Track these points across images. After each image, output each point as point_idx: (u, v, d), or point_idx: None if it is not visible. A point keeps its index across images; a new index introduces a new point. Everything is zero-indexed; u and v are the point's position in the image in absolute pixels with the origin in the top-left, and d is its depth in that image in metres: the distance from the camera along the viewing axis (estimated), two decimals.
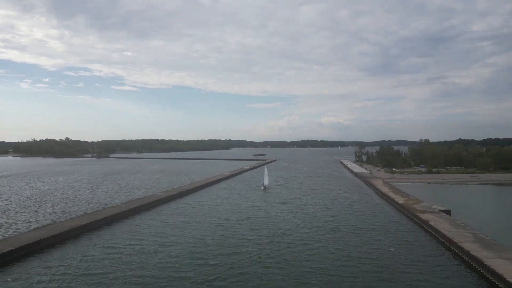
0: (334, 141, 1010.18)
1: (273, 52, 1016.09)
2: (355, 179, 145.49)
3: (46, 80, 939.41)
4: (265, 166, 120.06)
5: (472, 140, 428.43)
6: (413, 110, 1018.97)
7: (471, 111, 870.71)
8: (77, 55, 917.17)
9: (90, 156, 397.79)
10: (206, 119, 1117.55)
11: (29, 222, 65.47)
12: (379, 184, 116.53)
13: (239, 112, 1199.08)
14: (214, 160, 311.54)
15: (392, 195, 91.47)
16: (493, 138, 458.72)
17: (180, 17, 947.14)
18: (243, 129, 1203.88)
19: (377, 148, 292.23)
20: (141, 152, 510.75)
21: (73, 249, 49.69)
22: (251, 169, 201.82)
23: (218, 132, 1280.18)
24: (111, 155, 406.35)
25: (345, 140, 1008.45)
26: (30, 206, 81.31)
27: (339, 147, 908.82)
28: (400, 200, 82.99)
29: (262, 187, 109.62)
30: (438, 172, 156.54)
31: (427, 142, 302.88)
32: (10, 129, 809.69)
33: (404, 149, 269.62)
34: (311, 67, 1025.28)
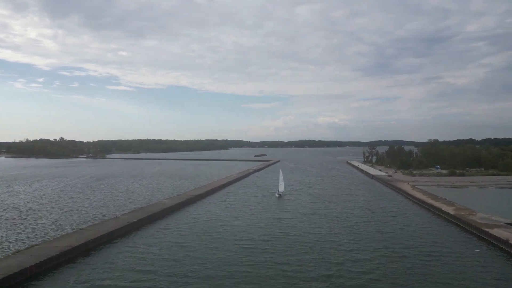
0: (331, 141, 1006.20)
1: (269, 52, 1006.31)
2: (375, 183, 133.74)
3: (40, 80, 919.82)
4: (280, 171, 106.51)
5: (471, 140, 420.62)
6: (409, 110, 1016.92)
7: (466, 111, 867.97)
8: (72, 55, 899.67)
9: (85, 156, 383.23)
10: (202, 119, 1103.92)
11: (7, 242, 52.82)
12: (408, 188, 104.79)
13: (235, 112, 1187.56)
14: (215, 161, 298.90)
15: (432, 202, 79.67)
16: (492, 138, 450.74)
17: (176, 17, 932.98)
18: (240, 129, 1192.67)
19: (378, 148, 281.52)
20: (138, 152, 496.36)
21: (62, 284, 37.26)
22: (257, 170, 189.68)
23: (215, 132, 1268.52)
24: (107, 156, 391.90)
25: (341, 140, 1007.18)
26: (14, 219, 68.49)
27: (338, 147, 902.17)
28: (447, 209, 71.16)
29: (277, 194, 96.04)
30: (462, 174, 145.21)
31: (436, 142, 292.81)
32: (3, 129, 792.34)
33: (410, 149, 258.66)
34: (307, 67, 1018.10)
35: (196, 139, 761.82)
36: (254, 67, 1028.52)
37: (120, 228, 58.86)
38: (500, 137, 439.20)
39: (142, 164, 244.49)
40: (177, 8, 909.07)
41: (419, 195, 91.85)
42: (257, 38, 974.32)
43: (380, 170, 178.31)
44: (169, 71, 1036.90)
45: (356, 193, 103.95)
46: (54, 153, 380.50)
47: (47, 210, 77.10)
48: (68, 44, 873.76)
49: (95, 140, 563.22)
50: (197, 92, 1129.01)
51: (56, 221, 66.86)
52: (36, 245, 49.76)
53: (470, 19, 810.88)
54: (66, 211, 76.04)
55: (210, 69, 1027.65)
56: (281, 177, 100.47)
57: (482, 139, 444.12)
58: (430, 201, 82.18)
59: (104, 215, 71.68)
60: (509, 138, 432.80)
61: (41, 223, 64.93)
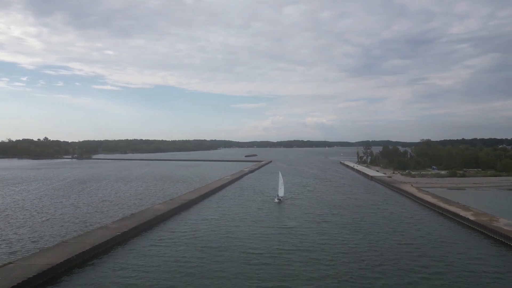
0: (319, 141, 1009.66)
1: (257, 52, 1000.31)
2: (376, 184, 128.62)
3: (24, 78, 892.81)
4: (279, 173, 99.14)
5: (458, 140, 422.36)
6: (396, 111, 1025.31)
7: (452, 112, 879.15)
8: (56, 53, 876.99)
9: (70, 157, 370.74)
10: (190, 119, 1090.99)
11: None
12: (413, 191, 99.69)
13: (224, 112, 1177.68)
14: (205, 162, 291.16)
15: (446, 206, 74.45)
16: (478, 138, 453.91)
17: (163, 16, 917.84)
18: (228, 129, 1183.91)
19: (364, 147, 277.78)
20: (125, 152, 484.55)
21: None
22: (251, 171, 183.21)
23: (203, 132, 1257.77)
24: (93, 156, 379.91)
25: (329, 140, 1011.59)
26: None
27: (327, 147, 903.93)
28: (466, 214, 65.88)
29: (276, 200, 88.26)
30: (463, 175, 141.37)
31: (429, 142, 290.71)
32: None
33: (405, 149, 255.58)
34: (295, 67, 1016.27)
35: (185, 139, 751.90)
36: (242, 67, 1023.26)
37: (108, 240, 51.70)
38: (486, 137, 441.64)
39: (130, 165, 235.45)
40: (164, 7, 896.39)
41: (428, 198, 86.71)
42: (245, 38, 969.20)
43: (378, 171, 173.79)
44: (156, 70, 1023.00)
45: (360, 196, 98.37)
46: (38, 154, 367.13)
47: (25, 218, 69.24)
48: (53, 43, 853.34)
49: (81, 140, 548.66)
50: (185, 92, 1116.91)
51: (35, 231, 59.36)
52: (10, 263, 42.38)
53: (454, 22, 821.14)
54: (47, 219, 68.35)
55: (198, 69, 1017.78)
56: (281, 180, 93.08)
57: (469, 139, 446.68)
58: (442, 204, 76.97)
59: (90, 224, 64.27)
60: (495, 138, 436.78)
61: (17, 234, 57.29)
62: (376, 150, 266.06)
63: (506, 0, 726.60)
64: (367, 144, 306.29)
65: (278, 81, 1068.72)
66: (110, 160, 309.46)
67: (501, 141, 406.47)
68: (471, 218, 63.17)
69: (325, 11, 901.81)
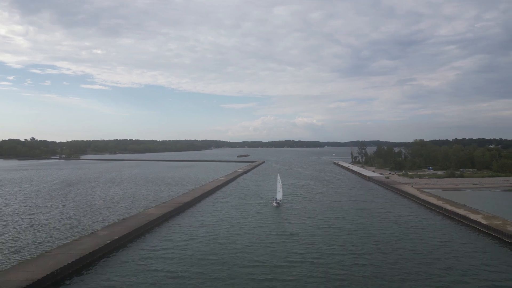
0: (310, 141, 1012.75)
1: (247, 52, 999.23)
2: (375, 186, 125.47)
3: (11, 78, 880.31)
4: (278, 175, 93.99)
5: (449, 140, 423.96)
6: (385, 111, 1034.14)
7: (439, 113, 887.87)
8: (44, 52, 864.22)
9: (58, 157, 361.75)
10: (180, 119, 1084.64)
11: None
12: (415, 192, 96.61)
13: (214, 112, 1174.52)
14: (197, 162, 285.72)
15: (453, 209, 71.17)
16: (466, 138, 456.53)
17: (152, 15, 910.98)
18: (219, 129, 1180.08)
19: (356, 148, 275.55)
20: (115, 153, 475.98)
21: None
22: (245, 172, 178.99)
23: (194, 132, 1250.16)
24: (82, 157, 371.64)
25: (320, 140, 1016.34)
26: None
27: (318, 147, 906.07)
28: (476, 218, 62.63)
29: (274, 203, 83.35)
30: (461, 176, 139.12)
31: (422, 142, 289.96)
32: None
33: (400, 149, 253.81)
34: (285, 68, 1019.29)
35: (175, 139, 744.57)
36: (233, 67, 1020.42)
37: (96, 250, 47.03)
38: (474, 137, 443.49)
39: (120, 166, 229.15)
40: (152, 6, 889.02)
41: (432, 200, 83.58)
42: (235, 38, 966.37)
43: (374, 171, 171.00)
44: (146, 70, 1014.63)
45: (361, 198, 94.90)
46: (24, 154, 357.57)
47: (7, 225, 63.99)
48: (40, 41, 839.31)
49: (69, 140, 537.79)
50: (174, 92, 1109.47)
51: (17, 240, 54.42)
52: None
53: (441, 23, 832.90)
54: (30, 225, 63.24)
55: (188, 68, 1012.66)
56: (279, 183, 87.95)
57: (456, 139, 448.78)
58: (449, 207, 73.74)
59: (77, 231, 59.39)
60: (483, 139, 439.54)
61: None
62: (368, 150, 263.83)
63: (492, 2, 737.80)
64: (357, 144, 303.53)
65: (268, 81, 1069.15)
66: (99, 161, 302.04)
67: (489, 141, 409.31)
68: (483, 222, 59.92)
69: (315, 11, 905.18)
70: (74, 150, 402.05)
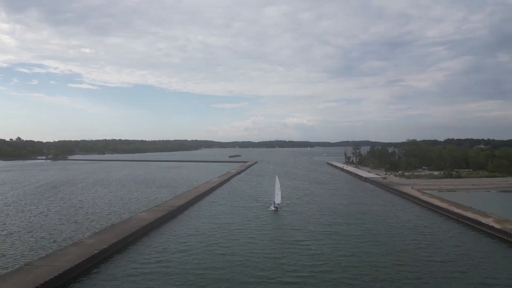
0: (300, 141, 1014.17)
1: (237, 52, 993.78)
2: (372, 187, 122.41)
3: None
4: (276, 177, 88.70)
5: (436, 140, 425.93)
6: (374, 112, 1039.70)
7: (428, 113, 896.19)
8: (31, 51, 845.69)
9: (44, 158, 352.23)
10: (170, 119, 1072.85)
11: None
12: (417, 194, 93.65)
13: (204, 112, 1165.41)
14: (188, 163, 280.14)
15: (460, 212, 68.11)
16: (455, 138, 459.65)
17: (141, 14, 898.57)
18: (209, 129, 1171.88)
19: (348, 148, 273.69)
20: (103, 153, 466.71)
21: None
22: (238, 173, 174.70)
23: (184, 132, 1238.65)
24: (69, 157, 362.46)
25: (310, 140, 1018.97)
26: None
27: (308, 148, 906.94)
28: (487, 221, 59.56)
29: (272, 207, 78.91)
30: (459, 176, 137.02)
31: (415, 142, 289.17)
32: None
33: (394, 149, 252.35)
34: (276, 68, 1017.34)
35: (165, 139, 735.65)
36: (223, 67, 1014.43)
37: (83, 262, 42.36)
38: (463, 137, 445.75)
39: (109, 167, 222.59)
40: (141, 4, 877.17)
41: (436, 202, 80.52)
42: (226, 38, 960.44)
43: (369, 172, 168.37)
44: (135, 69, 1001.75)
45: (362, 200, 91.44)
46: (10, 154, 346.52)
47: None
48: (27, 40, 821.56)
49: (56, 140, 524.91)
50: (164, 92, 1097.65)
51: None
52: None
53: (429, 25, 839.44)
54: (10, 233, 57.99)
55: (178, 68, 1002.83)
56: (277, 185, 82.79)
57: (448, 139, 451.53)
58: (455, 210, 70.66)
59: (62, 239, 54.46)
60: (471, 139, 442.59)
61: None
62: (361, 150, 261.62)
63: (479, 4, 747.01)
64: (347, 144, 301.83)
65: (258, 81, 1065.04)
66: (87, 161, 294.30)
67: (478, 141, 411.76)
68: (496, 226, 56.85)
69: (306, 12, 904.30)
70: (61, 150, 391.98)
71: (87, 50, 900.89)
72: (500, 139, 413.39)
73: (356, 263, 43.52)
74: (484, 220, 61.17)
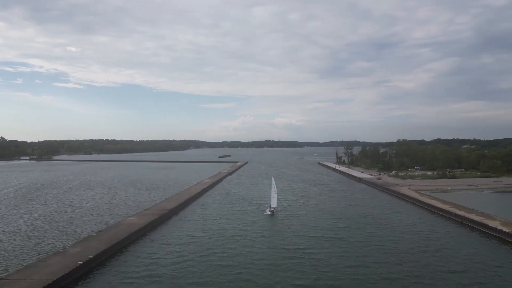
0: (289, 141, 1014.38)
1: (226, 52, 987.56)
2: (368, 188, 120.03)
3: None
4: (272, 179, 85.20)
5: (423, 140, 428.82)
6: (362, 112, 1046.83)
7: (414, 114, 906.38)
8: (15, 49, 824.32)
9: (28, 158, 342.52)
10: (158, 119, 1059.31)
11: None
12: (415, 195, 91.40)
13: (193, 112, 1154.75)
14: (178, 163, 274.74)
15: (465, 214, 65.71)
16: (441, 138, 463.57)
17: (128, 12, 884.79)
18: (198, 129, 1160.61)
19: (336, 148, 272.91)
20: (90, 153, 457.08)
21: None
22: (229, 174, 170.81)
23: (172, 132, 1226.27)
24: (54, 157, 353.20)
25: (299, 140, 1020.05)
26: None
27: (298, 148, 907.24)
28: (495, 224, 57.23)
29: (268, 211, 75.07)
30: (454, 176, 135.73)
31: (406, 142, 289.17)
32: None
33: (386, 149, 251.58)
34: (265, 68, 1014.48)
35: (153, 139, 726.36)
36: (211, 67, 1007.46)
37: (65, 275, 38.28)
38: (449, 137, 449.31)
39: (95, 168, 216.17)
40: (128, 3, 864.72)
41: (437, 203, 78.23)
42: (214, 38, 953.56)
43: (362, 172, 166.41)
44: (123, 68, 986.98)
45: (360, 202, 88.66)
46: None
47: None
48: (11, 38, 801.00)
49: (41, 140, 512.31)
50: (152, 91, 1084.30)
51: None
52: None
53: (415, 27, 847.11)
54: None
55: (166, 67, 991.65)
56: (273, 188, 78.72)
57: (432, 140, 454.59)
58: (458, 212, 68.35)
59: (43, 248, 50.06)
60: (457, 139, 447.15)
61: None
62: (353, 150, 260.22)
63: (464, 7, 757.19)
64: (336, 144, 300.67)
65: (247, 82, 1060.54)
66: (72, 162, 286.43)
67: (464, 141, 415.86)
68: (505, 229, 54.48)
69: (293, 12, 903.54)
70: (46, 150, 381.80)
71: (73, 49, 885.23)
72: (485, 139, 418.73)
73: (367, 274, 40.12)
74: (490, 223, 58.81)
